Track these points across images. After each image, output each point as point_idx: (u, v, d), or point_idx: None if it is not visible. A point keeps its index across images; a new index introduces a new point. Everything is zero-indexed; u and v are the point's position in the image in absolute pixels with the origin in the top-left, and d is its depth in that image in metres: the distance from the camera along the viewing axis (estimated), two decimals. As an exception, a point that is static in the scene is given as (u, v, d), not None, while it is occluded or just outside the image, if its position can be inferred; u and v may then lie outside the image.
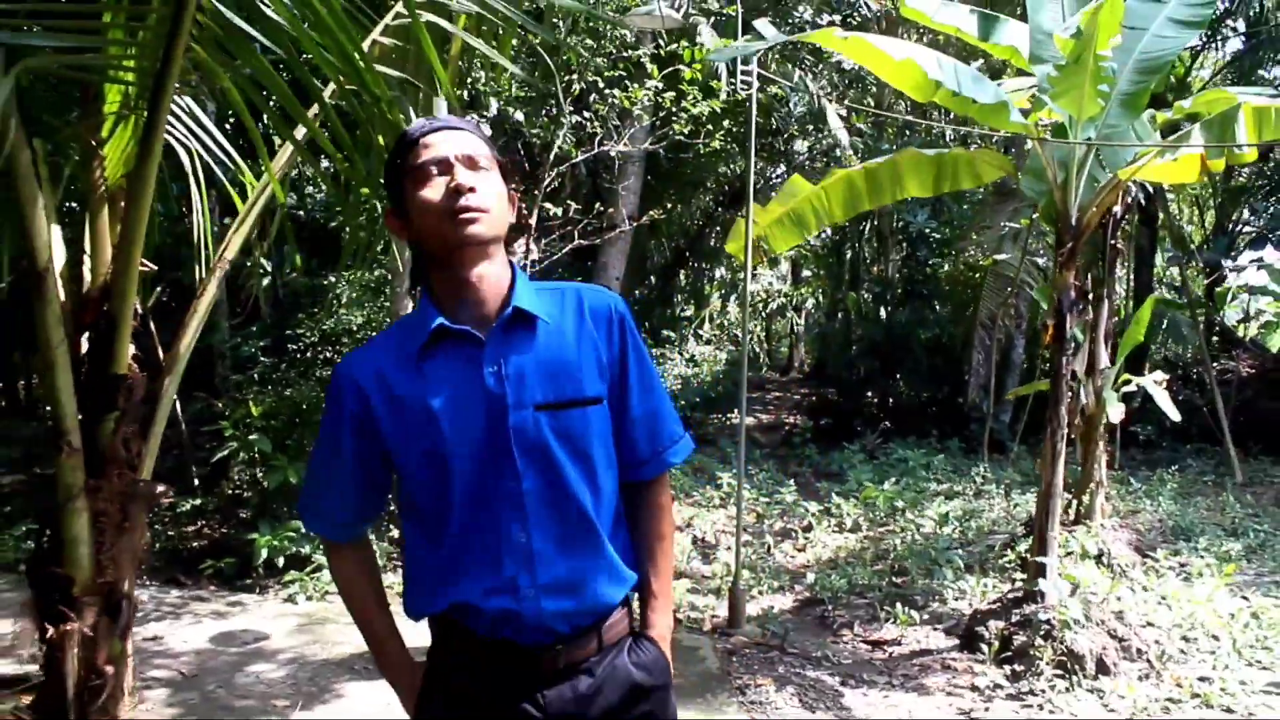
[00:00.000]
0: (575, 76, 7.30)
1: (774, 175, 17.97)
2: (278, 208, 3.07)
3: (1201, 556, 7.47)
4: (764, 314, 27.39)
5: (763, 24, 6.08)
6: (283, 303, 10.30)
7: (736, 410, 8.76)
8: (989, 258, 11.68)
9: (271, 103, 2.82)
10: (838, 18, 12.24)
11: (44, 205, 2.45)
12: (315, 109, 2.88)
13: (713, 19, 8.77)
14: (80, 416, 2.65)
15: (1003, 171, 6.00)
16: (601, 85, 7.43)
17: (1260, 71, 16.66)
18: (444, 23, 2.92)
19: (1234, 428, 13.49)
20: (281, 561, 6.86)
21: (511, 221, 1.87)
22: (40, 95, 2.97)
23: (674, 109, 7.96)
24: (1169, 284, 20.23)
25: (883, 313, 15.85)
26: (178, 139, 3.01)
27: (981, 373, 12.26)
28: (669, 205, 12.36)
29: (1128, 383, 7.75)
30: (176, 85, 2.49)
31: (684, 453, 2.03)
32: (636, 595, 1.98)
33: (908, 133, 13.68)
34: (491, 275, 1.81)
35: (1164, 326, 14.18)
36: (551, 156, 7.43)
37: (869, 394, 15.23)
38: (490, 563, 1.78)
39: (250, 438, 7.13)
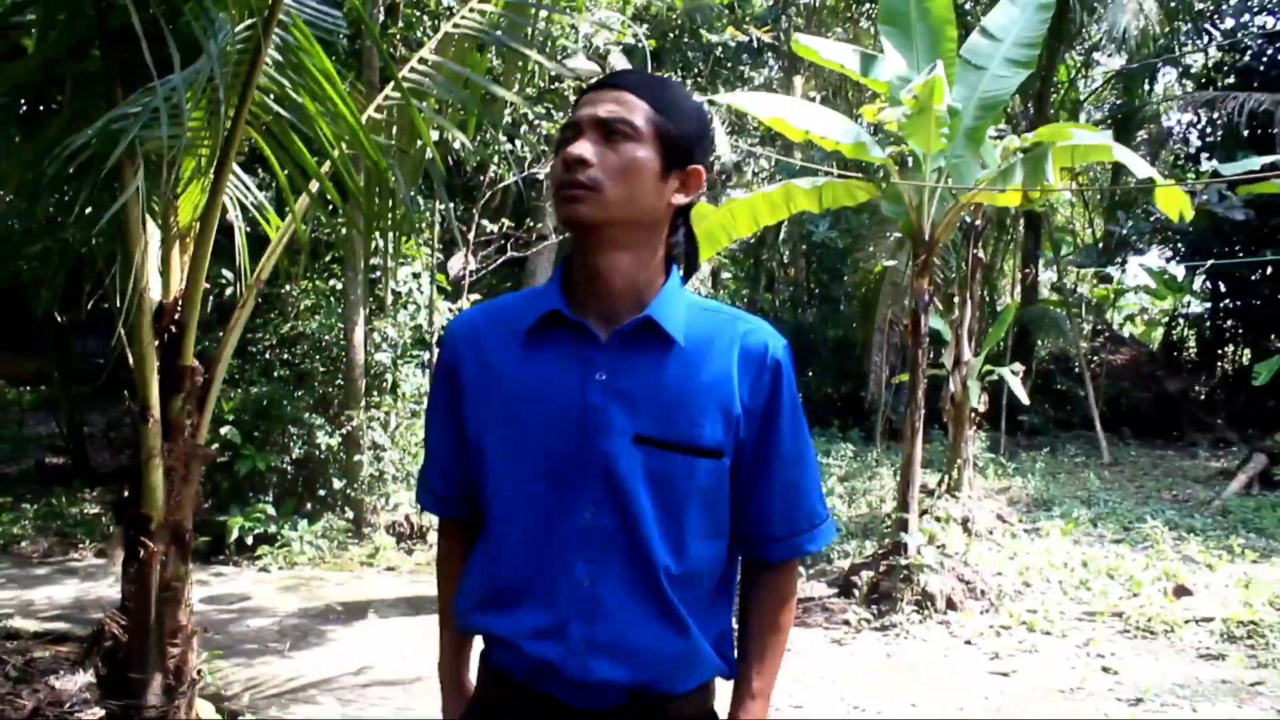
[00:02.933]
0: (509, 108, 8.30)
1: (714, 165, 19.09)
2: (298, 241, 4.01)
3: (1054, 521, 8.71)
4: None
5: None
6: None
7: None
8: (880, 264, 12.88)
9: (295, 164, 3.78)
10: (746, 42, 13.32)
11: (144, 244, 3.40)
12: (327, 165, 3.84)
13: (621, 46, 9.77)
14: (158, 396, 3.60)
15: (869, 195, 7.12)
16: (530, 116, 8.43)
17: (1144, 86, 18.25)
18: (422, 106, 3.90)
19: (1112, 416, 14.94)
20: (250, 540, 7.77)
21: (680, 202, 1.56)
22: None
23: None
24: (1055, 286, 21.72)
25: (793, 315, 17.08)
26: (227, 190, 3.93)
27: (880, 369, 13.44)
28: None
29: (990, 373, 8.92)
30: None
31: (824, 540, 1.67)
32: (732, 689, 1.62)
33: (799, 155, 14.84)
34: (626, 269, 1.52)
35: (1044, 323, 15.53)
36: (486, 179, 8.43)
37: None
38: (544, 599, 1.50)
39: (221, 430, 7.99)
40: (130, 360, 3.48)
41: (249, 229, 4.15)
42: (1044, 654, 5.75)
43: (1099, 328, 19.02)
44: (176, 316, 3.61)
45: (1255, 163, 7.62)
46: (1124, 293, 22.35)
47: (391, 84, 4.12)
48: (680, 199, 1.55)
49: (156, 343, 3.54)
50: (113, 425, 13.50)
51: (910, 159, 7.14)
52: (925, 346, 6.81)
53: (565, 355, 1.51)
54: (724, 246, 8.20)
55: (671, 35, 11.85)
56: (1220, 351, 18.22)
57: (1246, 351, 17.55)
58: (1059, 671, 5.45)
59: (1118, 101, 18.66)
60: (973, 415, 8.56)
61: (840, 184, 7.18)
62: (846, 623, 6.32)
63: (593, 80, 1.63)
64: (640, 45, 8.03)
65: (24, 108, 3.31)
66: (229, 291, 8.33)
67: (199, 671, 3.88)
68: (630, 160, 1.47)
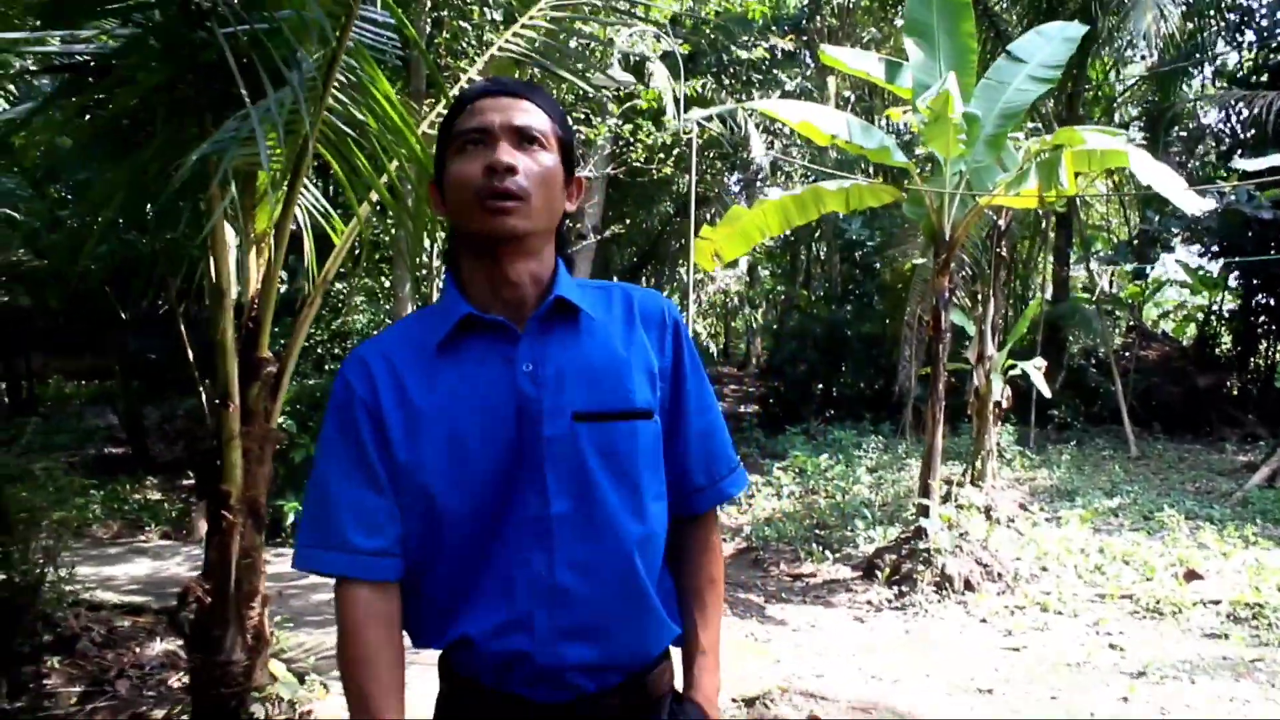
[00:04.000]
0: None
1: (729, 180, 19.58)
2: (360, 243, 4.43)
3: (1075, 510, 9.00)
4: (722, 312, 28.98)
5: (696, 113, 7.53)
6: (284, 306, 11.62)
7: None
8: (910, 262, 13.17)
9: (357, 175, 4.19)
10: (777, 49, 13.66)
11: (226, 246, 3.83)
12: (385, 177, 4.24)
13: (660, 51, 10.15)
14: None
15: (891, 198, 7.45)
16: (569, 122, 8.82)
17: (1183, 84, 18.37)
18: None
19: (1141, 410, 15.14)
20: (305, 524, 8.24)
21: (569, 210, 1.59)
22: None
23: (631, 139, 9.39)
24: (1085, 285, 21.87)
25: (827, 310, 17.39)
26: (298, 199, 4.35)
27: (910, 364, 13.73)
28: (628, 220, 13.83)
29: (1013, 368, 9.21)
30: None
31: (741, 484, 1.72)
32: (680, 649, 1.67)
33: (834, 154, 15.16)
34: (533, 273, 1.53)
35: (1074, 320, 15.73)
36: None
37: (813, 384, 16.74)
38: (502, 594, 1.47)
39: (278, 420, 8.45)
40: (190, 355, 3.91)
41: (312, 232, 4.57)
42: (1055, 632, 6.07)
43: (1131, 324, 19.17)
44: (253, 313, 4.03)
45: (1278, 159, 7.90)
46: (1160, 288, 22.49)
47: (444, 102, 4.54)
48: (570, 207, 1.58)
49: (235, 337, 3.96)
50: (166, 418, 14.14)
51: (931, 164, 7.47)
52: (946, 342, 7.14)
53: (486, 356, 1.50)
54: (757, 243, 8.53)
55: (705, 43, 12.20)
56: (1253, 348, 18.28)
57: (1279, 348, 17.63)
58: (1067, 647, 5.77)
59: (1153, 99, 18.78)
60: (996, 408, 8.86)
61: (866, 186, 7.52)
62: (869, 603, 6.67)
63: (475, 86, 1.56)
64: (675, 53, 8.41)
65: (123, 134, 3.73)
66: (283, 289, 8.80)
67: (272, 633, 4.32)
68: (547, 169, 1.49)
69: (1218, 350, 18.99)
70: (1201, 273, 19.35)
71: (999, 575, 6.88)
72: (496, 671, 1.49)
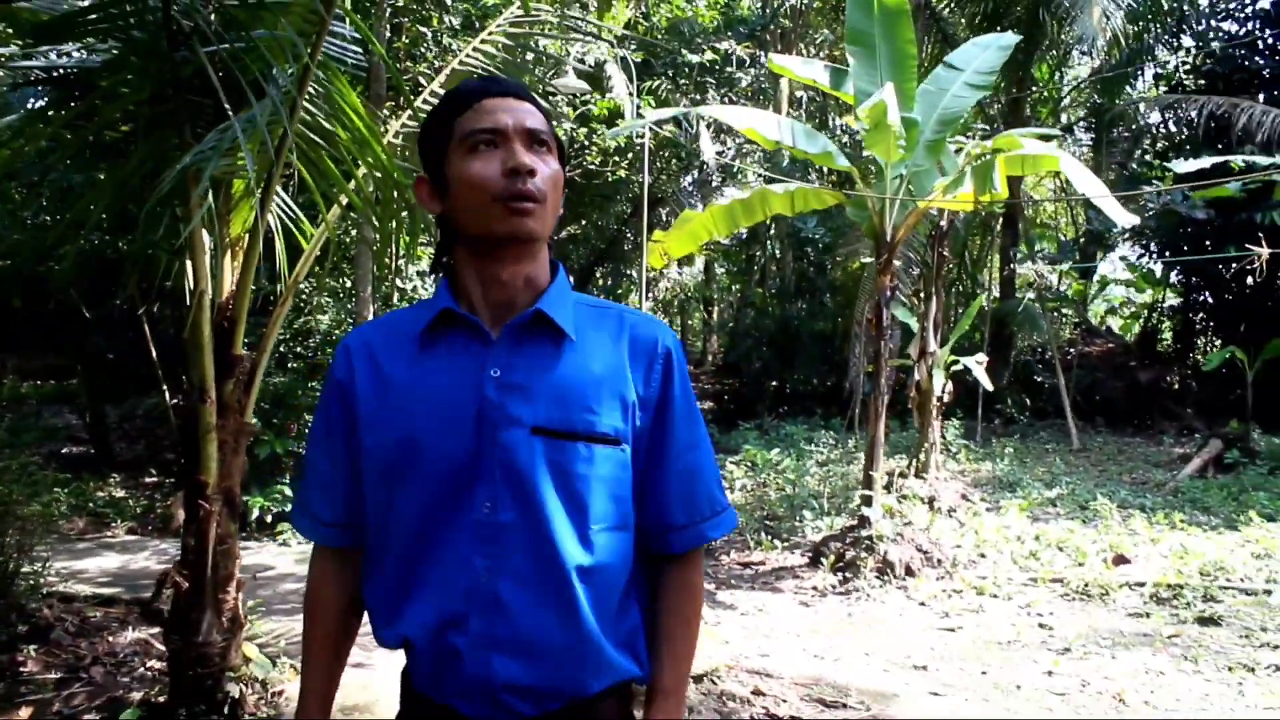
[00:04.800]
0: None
1: (684, 182, 19.91)
2: (328, 245, 4.66)
3: (1016, 501, 9.38)
4: (678, 310, 29.26)
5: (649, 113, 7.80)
6: (255, 306, 11.78)
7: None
8: (859, 260, 13.54)
9: (327, 181, 4.43)
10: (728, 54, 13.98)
11: (204, 251, 4.07)
12: (352, 183, 4.49)
13: (616, 57, 10.43)
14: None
15: (834, 201, 7.77)
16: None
17: (1126, 86, 18.89)
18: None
19: (1085, 404, 15.63)
20: (270, 518, 8.44)
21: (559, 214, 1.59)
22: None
23: (586, 143, 9.67)
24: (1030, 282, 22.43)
25: (780, 308, 17.77)
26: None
27: (859, 360, 14.09)
28: (583, 220, 14.11)
29: (955, 363, 9.58)
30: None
31: (727, 527, 1.67)
32: (644, 689, 1.62)
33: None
34: (528, 276, 1.55)
35: (1020, 317, 16.19)
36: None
37: (767, 381, 17.10)
38: (443, 595, 1.48)
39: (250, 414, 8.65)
40: (154, 354, 4.11)
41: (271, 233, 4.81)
42: (989, 613, 6.41)
43: (1077, 321, 19.71)
44: (229, 313, 4.27)
45: (1206, 163, 8.31)
46: (1105, 286, 23.08)
47: (409, 113, 4.79)
48: (559, 210, 1.59)
49: (211, 335, 4.19)
50: (126, 417, 14.24)
51: (874, 167, 7.80)
52: (889, 339, 7.48)
53: (459, 354, 1.52)
54: (704, 242, 8.79)
55: (658, 49, 12.49)
56: (1192, 344, 18.86)
57: (1217, 343, 18.20)
58: (999, 627, 6.11)
59: (1098, 100, 19.30)
60: (938, 403, 9.21)
61: (810, 190, 7.84)
62: (814, 588, 6.99)
63: (473, 84, 1.56)
64: (627, 60, 8.71)
65: (108, 144, 3.95)
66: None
67: (246, 617, 4.55)
68: (557, 173, 1.53)
69: (1159, 346, 19.56)
70: (1144, 271, 19.93)
71: (939, 561, 7.22)
72: (433, 678, 1.50)
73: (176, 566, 4.36)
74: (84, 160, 4.30)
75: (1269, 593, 6.62)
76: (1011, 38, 8.00)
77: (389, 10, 8.40)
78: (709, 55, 11.97)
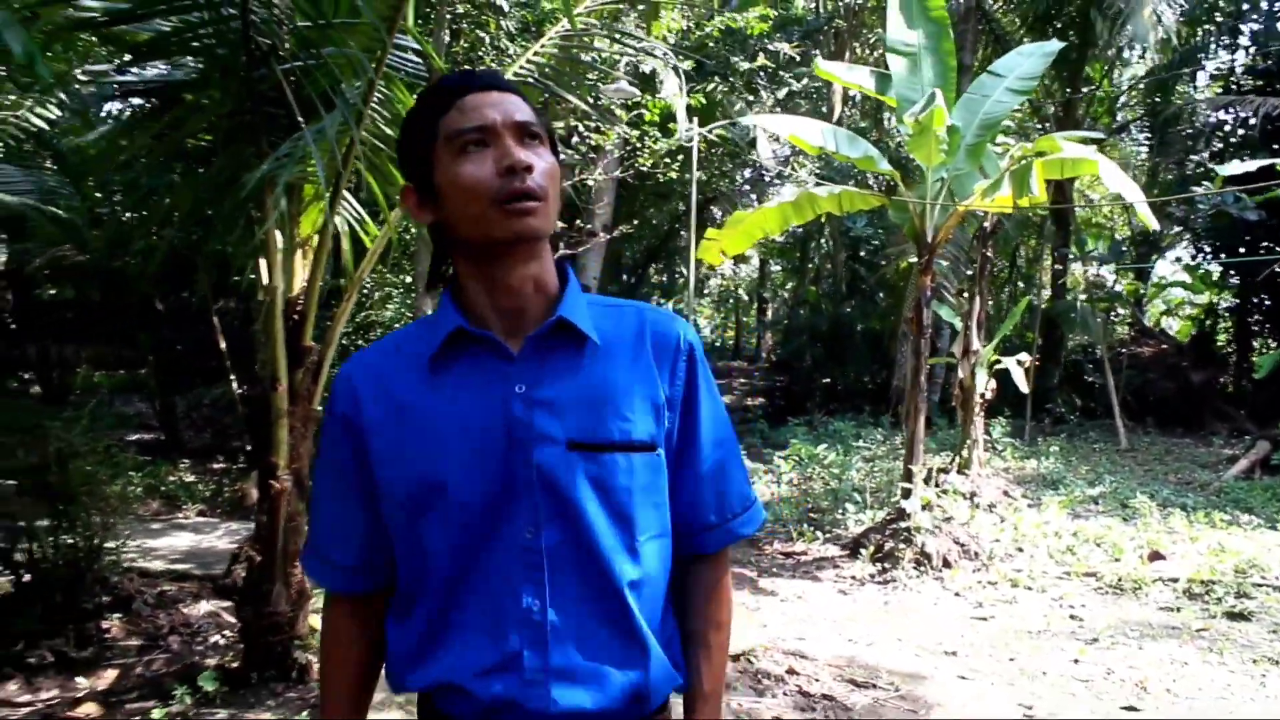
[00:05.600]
0: (560, 125, 9.29)
1: (739, 180, 20.17)
2: (391, 243, 4.99)
3: (1056, 497, 9.52)
4: (732, 308, 29.54)
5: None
6: (321, 300, 12.24)
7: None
8: (907, 260, 13.69)
9: (389, 184, 4.77)
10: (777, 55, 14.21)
11: (277, 250, 4.41)
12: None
13: (670, 65, 10.71)
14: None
15: (879, 203, 7.98)
16: (580, 128, 9.40)
17: (1182, 86, 18.84)
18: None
19: (1136, 405, 15.64)
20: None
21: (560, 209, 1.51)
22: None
23: (639, 145, 9.97)
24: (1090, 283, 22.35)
25: (833, 306, 17.97)
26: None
27: (907, 358, 14.24)
28: (636, 220, 14.45)
29: (998, 362, 9.73)
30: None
31: (756, 522, 1.62)
32: (682, 695, 1.57)
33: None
34: (536, 278, 1.45)
35: (1071, 317, 16.23)
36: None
37: (817, 378, 17.30)
38: (488, 633, 1.39)
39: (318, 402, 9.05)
40: (223, 346, 4.43)
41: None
42: (1022, 604, 6.60)
43: (1130, 321, 19.65)
44: (299, 307, 4.61)
45: (1254, 165, 8.39)
46: (1163, 288, 22.96)
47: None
48: (560, 204, 1.51)
49: (283, 328, 4.53)
50: (192, 406, 14.74)
51: (917, 170, 8.00)
52: (929, 337, 7.68)
53: (479, 374, 1.42)
54: (757, 240, 9.04)
55: (709, 55, 12.74)
56: (1248, 345, 18.74)
57: (1273, 345, 18.08)
58: (1031, 618, 6.30)
59: (1156, 99, 19.22)
60: (981, 401, 9.38)
61: (855, 192, 8.05)
62: (853, 578, 7.21)
63: (450, 80, 1.45)
64: (677, 67, 9.00)
65: (192, 152, 4.31)
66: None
67: (312, 590, 4.89)
68: (553, 165, 1.44)
69: (1214, 348, 19.45)
70: (1201, 272, 19.83)
71: (975, 554, 7.41)
72: (484, 716, 1.40)
73: (249, 542, 4.72)
74: (161, 164, 4.63)
75: (1302, 590, 6.75)
76: (1055, 45, 8.16)
77: (448, 17, 8.74)
78: (760, 60, 12.21)
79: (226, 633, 5.59)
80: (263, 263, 4.49)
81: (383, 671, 1.56)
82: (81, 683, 4.87)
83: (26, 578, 5.61)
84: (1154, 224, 6.90)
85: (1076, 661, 5.48)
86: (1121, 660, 5.50)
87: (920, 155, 7.13)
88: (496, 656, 1.38)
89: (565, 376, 1.43)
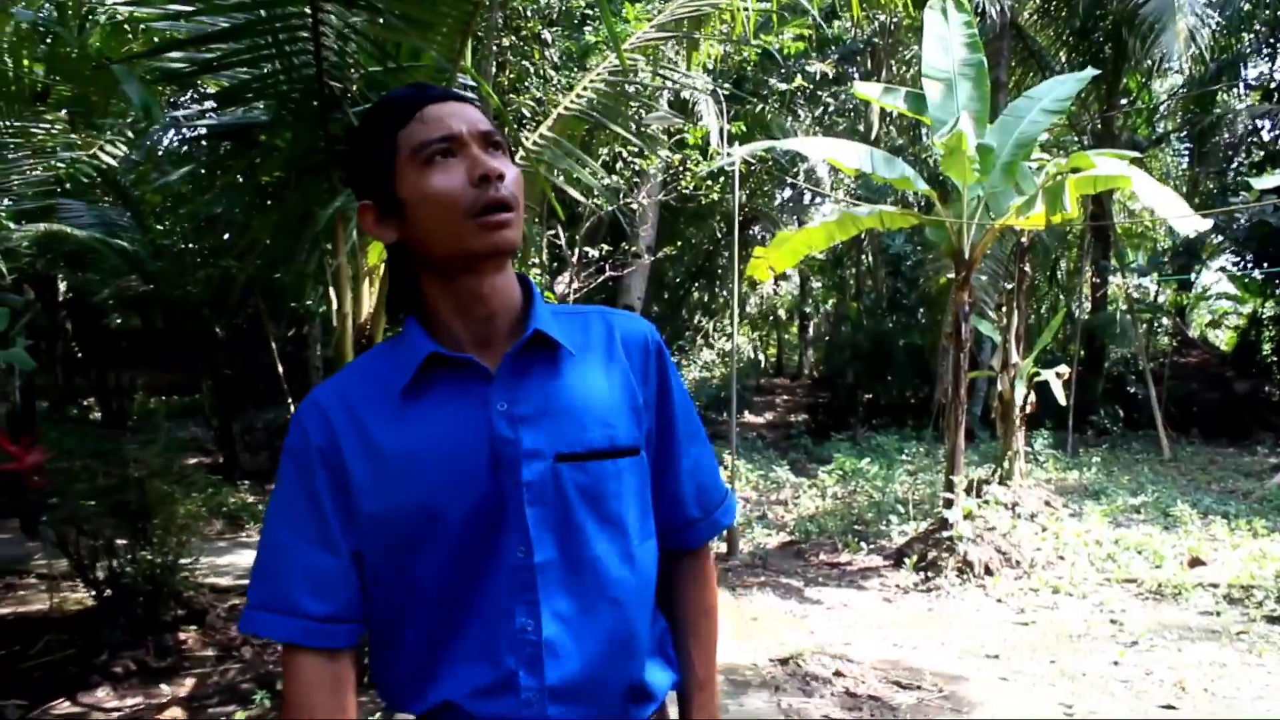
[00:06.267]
0: (605, 151, 9.59)
1: (783, 197, 20.48)
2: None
3: (1098, 507, 9.64)
4: (773, 325, 29.72)
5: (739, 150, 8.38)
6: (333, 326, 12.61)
7: (743, 407, 11.02)
8: (945, 276, 13.85)
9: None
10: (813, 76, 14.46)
11: (348, 279, 4.72)
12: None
13: (710, 91, 10.99)
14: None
15: (916, 221, 8.20)
16: (624, 154, 9.69)
17: (1222, 95, 18.86)
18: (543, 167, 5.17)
19: (1180, 415, 15.68)
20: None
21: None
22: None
23: (681, 168, 10.25)
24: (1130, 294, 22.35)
25: (874, 322, 18.16)
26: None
27: (947, 373, 14.38)
28: (679, 241, 14.75)
29: (1036, 375, 9.88)
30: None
31: (733, 511, 1.66)
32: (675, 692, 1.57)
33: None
34: (503, 288, 1.42)
35: (1112, 329, 16.31)
36: (586, 208, 9.73)
37: (859, 393, 17.48)
38: (483, 654, 1.36)
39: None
40: (280, 370, 4.68)
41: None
42: (1063, 610, 6.76)
43: (1173, 332, 19.66)
44: (367, 332, 4.90)
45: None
46: (1204, 297, 22.89)
47: (520, 152, 5.40)
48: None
49: (353, 351, 4.82)
50: (246, 430, 15.14)
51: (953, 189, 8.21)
52: (968, 351, 7.87)
53: (456, 397, 1.37)
54: (804, 256, 9.29)
55: (747, 77, 13.03)
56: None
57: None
58: (1072, 622, 6.45)
59: (1195, 109, 19.25)
60: (1021, 413, 9.53)
61: (894, 212, 8.28)
62: (897, 586, 7.40)
63: (403, 93, 1.42)
64: (717, 92, 9.29)
65: (267, 189, 4.63)
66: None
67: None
68: (519, 174, 1.40)
69: (1259, 357, 19.40)
70: (1246, 281, 19.78)
71: (1017, 562, 7.57)
72: None
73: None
74: (240, 200, 4.96)
75: (1342, 594, 6.85)
76: (1089, 73, 8.45)
77: (495, 50, 9.07)
78: (798, 80, 12.48)
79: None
80: (332, 291, 4.79)
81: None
82: (164, 689, 5.18)
83: (108, 593, 5.95)
84: (1190, 231, 7.04)
85: (1116, 663, 5.64)
86: (1161, 662, 5.65)
87: (954, 174, 7.34)
88: (492, 677, 1.35)
89: (545, 389, 1.40)
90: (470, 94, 1.48)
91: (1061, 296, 19.03)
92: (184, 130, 5.44)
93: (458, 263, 1.36)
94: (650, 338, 1.53)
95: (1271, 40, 17.59)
